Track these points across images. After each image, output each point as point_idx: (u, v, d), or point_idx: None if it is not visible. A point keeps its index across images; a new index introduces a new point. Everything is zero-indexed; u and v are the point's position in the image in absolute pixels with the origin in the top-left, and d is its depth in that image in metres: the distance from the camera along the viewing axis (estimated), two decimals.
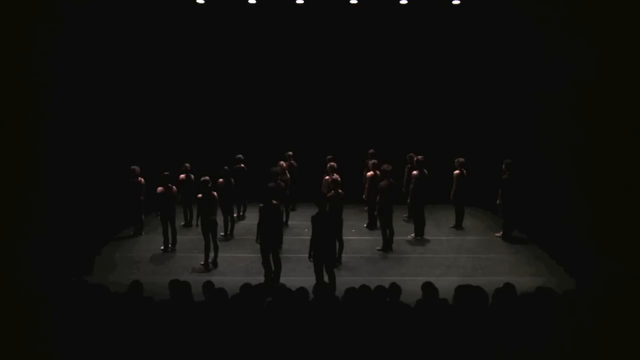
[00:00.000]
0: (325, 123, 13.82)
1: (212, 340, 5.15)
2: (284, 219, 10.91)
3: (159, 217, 10.14)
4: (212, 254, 9.38)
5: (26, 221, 9.48)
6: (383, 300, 5.52)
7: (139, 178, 10.72)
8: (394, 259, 9.83)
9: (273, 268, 8.57)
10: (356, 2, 12.19)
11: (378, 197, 10.18)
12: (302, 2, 12.23)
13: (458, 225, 11.48)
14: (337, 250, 8.54)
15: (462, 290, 5.55)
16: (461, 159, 11.17)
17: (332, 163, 10.86)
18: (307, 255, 8.17)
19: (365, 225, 11.48)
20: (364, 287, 5.61)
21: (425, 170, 10.66)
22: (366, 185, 11.03)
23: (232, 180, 10.83)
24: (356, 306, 5.42)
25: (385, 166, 10.16)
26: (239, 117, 14.00)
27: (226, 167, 10.95)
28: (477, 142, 13.17)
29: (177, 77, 13.70)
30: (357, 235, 11.00)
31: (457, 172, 11.14)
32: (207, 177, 9.53)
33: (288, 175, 11.40)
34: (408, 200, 11.05)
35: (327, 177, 10.68)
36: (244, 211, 12.26)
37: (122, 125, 12.57)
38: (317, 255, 7.98)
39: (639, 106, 8.80)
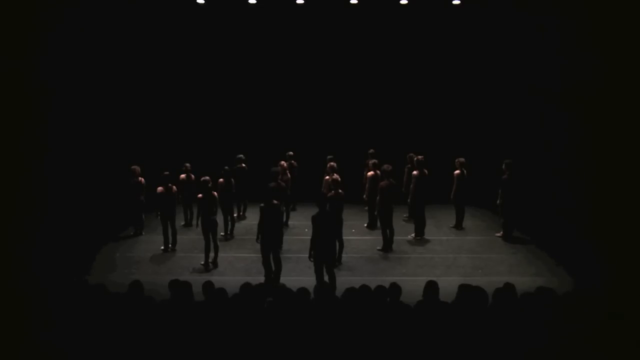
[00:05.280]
0: (325, 123, 13.83)
1: (212, 340, 5.15)
2: (285, 219, 10.91)
3: (159, 217, 10.14)
4: (212, 254, 9.38)
5: (26, 221, 9.48)
6: (383, 300, 5.52)
7: (139, 178, 10.72)
8: (394, 259, 9.83)
9: (273, 268, 8.57)
10: (356, 2, 12.19)
11: (378, 197, 10.18)
12: (302, 2, 12.23)
13: (458, 225, 11.48)
14: (337, 250, 8.55)
15: (463, 290, 5.56)
16: (461, 159, 11.17)
17: (332, 163, 10.87)
18: (307, 255, 8.18)
19: (365, 225, 11.48)
20: (364, 287, 5.60)
21: (425, 170, 10.66)
22: (366, 185, 11.03)
23: (233, 180, 10.83)
24: (356, 306, 5.42)
25: (385, 166, 10.15)
26: (239, 117, 14.01)
27: (227, 167, 10.95)
28: (477, 142, 13.17)
29: (178, 77, 13.70)
30: (357, 235, 11.00)
31: (457, 172, 11.14)
32: (208, 177, 9.54)
33: (289, 175, 11.41)
34: (408, 200, 11.05)
35: (327, 177, 10.68)
36: (244, 211, 12.27)
37: (123, 125, 12.58)
38: (318, 255, 7.98)
39: (639, 106, 8.80)
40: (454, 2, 12.33)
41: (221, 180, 10.61)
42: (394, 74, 13.85)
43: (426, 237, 10.84)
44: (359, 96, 13.97)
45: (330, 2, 12.82)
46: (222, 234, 10.59)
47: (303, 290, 5.66)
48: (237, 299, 5.64)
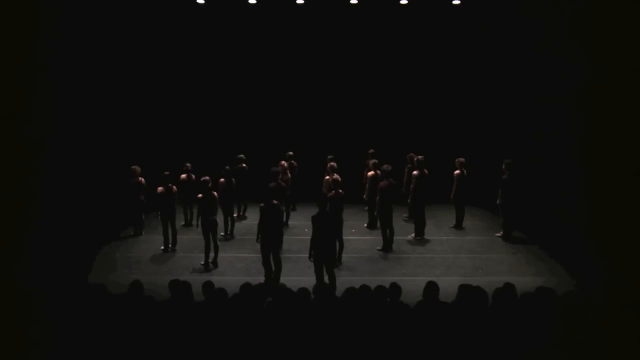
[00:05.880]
0: (325, 123, 13.83)
1: (212, 340, 5.15)
2: (285, 219, 10.91)
3: (159, 217, 10.15)
4: (212, 254, 9.38)
5: (26, 221, 9.47)
6: (383, 300, 5.53)
7: (139, 178, 10.72)
8: (394, 259, 9.83)
9: (273, 268, 8.57)
10: (356, 2, 12.19)
11: (378, 197, 10.18)
12: (302, 2, 12.24)
13: (458, 225, 11.48)
14: (337, 250, 8.54)
15: (463, 290, 5.56)
16: (461, 159, 11.17)
17: (332, 163, 10.88)
18: (307, 255, 8.18)
19: (365, 225, 11.48)
20: (364, 287, 5.61)
21: (426, 170, 10.66)
22: (366, 185, 11.03)
23: (233, 180, 10.84)
24: (356, 306, 5.42)
25: (385, 166, 10.16)
26: (240, 117, 14.01)
27: (227, 167, 10.95)
28: (477, 142, 13.18)
29: (178, 77, 13.70)
30: (357, 235, 11.00)
31: (457, 172, 11.14)
32: (208, 177, 9.54)
33: (289, 175, 11.41)
34: (408, 200, 11.05)
35: (327, 177, 10.69)
36: (244, 211, 12.27)
37: (123, 125, 12.58)
38: (318, 255, 7.98)
39: (638, 106, 8.80)
40: (454, 2, 12.33)
41: (222, 180, 10.62)
42: (394, 74, 13.85)
43: (426, 237, 10.83)
44: (358, 96, 13.97)
45: (330, 2, 12.83)
46: (222, 234, 10.59)
47: (303, 290, 5.66)
48: (237, 299, 5.64)
